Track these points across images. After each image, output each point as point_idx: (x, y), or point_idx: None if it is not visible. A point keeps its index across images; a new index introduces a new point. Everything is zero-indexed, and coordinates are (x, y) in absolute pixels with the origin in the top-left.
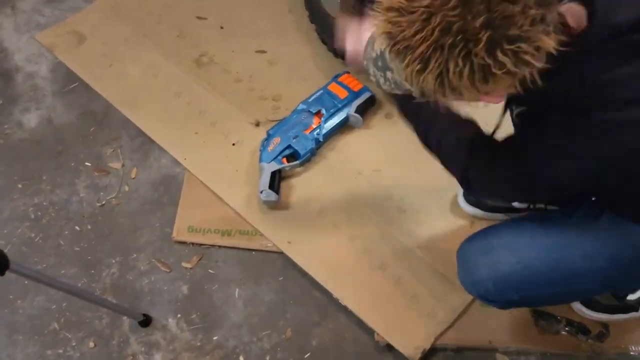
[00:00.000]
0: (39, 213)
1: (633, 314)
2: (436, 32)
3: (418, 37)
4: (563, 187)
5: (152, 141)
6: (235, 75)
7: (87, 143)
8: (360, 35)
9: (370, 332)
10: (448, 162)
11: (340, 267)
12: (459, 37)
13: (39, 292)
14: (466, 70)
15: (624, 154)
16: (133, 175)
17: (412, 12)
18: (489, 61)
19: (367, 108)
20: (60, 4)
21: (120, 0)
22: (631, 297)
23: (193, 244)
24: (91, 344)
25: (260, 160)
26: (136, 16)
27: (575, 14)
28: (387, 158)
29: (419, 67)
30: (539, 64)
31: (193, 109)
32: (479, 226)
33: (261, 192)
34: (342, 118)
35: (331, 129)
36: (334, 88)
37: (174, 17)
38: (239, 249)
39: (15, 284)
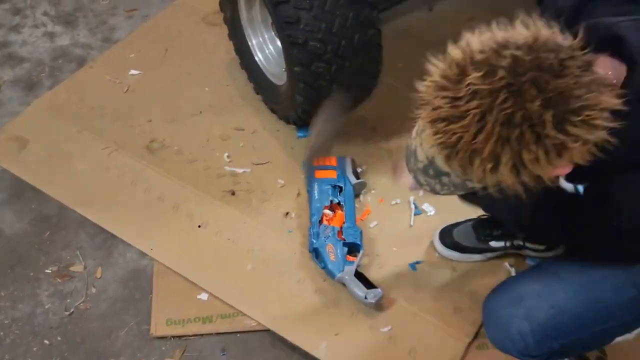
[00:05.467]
0: (1, 333)
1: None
2: (497, 128)
3: (480, 138)
4: None
5: (114, 236)
6: (188, 156)
7: (44, 249)
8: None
9: None
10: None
11: (334, 335)
12: (525, 125)
13: None
14: (541, 154)
15: None
16: (98, 275)
17: (463, 117)
18: (562, 137)
19: (356, 170)
20: None
21: (59, 99)
22: None
23: (174, 337)
24: None
25: (333, 275)
26: (78, 112)
27: (610, 67)
28: None
29: (490, 165)
30: (611, 124)
31: (151, 196)
32: (460, 270)
33: (365, 298)
34: (352, 192)
35: (354, 205)
36: (321, 174)
37: (117, 107)
38: (222, 333)
39: None
